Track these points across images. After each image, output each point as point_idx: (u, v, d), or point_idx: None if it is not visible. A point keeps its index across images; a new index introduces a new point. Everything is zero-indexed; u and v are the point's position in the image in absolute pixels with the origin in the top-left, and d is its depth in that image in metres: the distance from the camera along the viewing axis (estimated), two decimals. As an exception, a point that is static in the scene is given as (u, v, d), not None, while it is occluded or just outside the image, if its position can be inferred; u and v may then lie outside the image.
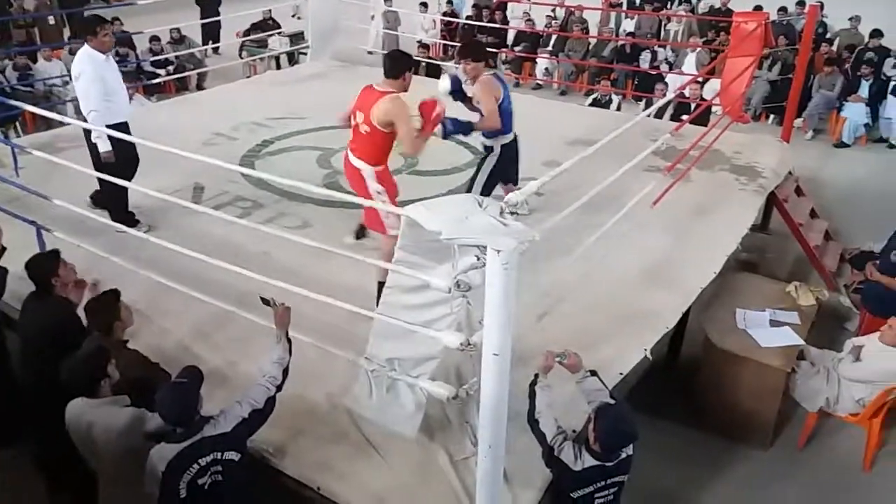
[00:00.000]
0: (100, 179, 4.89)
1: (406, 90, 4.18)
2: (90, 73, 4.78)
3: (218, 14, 12.57)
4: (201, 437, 2.81)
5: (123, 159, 4.89)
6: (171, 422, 2.84)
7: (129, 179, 4.81)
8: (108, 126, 4.71)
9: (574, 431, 3.12)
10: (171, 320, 4.19)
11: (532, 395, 3.11)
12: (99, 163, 4.93)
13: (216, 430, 2.85)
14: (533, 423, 3.04)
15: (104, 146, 4.85)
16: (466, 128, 4.58)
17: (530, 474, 3.13)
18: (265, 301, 3.31)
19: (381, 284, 4.18)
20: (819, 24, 11.14)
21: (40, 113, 4.81)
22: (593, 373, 3.26)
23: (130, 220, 5.10)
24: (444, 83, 4.73)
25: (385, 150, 4.22)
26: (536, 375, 3.18)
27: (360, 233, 4.97)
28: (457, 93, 4.80)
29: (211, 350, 3.92)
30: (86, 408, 3.07)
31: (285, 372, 3.14)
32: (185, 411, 2.84)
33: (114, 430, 3.03)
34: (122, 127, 4.95)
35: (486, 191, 4.79)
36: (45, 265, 3.78)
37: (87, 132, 4.93)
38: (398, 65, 4.16)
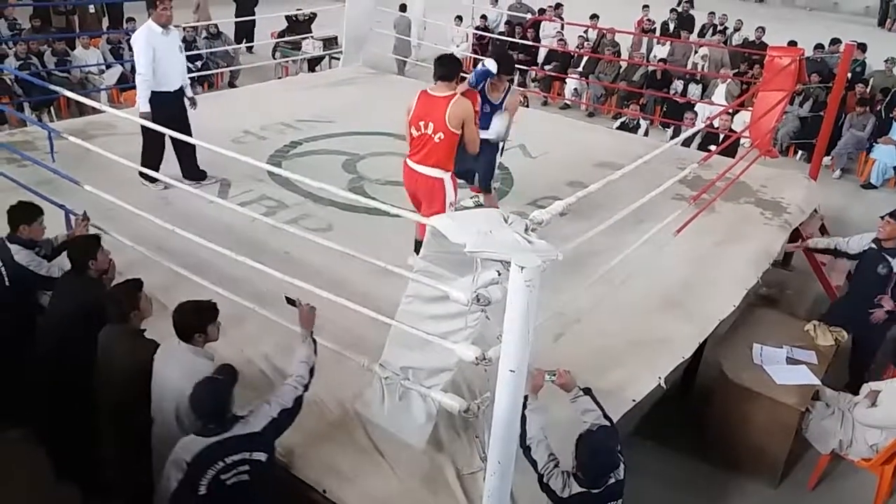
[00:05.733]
0: (142, 128, 5.41)
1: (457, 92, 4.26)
2: (141, 42, 5.35)
3: (254, 13, 12.71)
4: (231, 435, 2.81)
5: (164, 123, 5.06)
6: (204, 417, 2.84)
7: (162, 146, 5.46)
8: (157, 93, 5.41)
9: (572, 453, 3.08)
10: (189, 313, 4.20)
11: (523, 420, 2.97)
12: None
13: (246, 430, 2.85)
14: (525, 448, 2.96)
15: (142, 106, 5.43)
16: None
17: (537, 495, 3.10)
18: (290, 301, 3.31)
19: (419, 243, 4.16)
20: (858, 64, 11.06)
21: (78, 99, 4.91)
22: (587, 391, 3.21)
23: (149, 178, 5.48)
24: (492, 64, 4.67)
25: (454, 152, 4.30)
26: (526, 398, 3.00)
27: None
28: (480, 84, 4.82)
29: (227, 346, 3.92)
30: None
31: (312, 371, 3.15)
32: (218, 407, 2.84)
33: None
34: (171, 95, 5.58)
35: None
36: (86, 247, 3.84)
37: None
38: (454, 68, 4.30)
